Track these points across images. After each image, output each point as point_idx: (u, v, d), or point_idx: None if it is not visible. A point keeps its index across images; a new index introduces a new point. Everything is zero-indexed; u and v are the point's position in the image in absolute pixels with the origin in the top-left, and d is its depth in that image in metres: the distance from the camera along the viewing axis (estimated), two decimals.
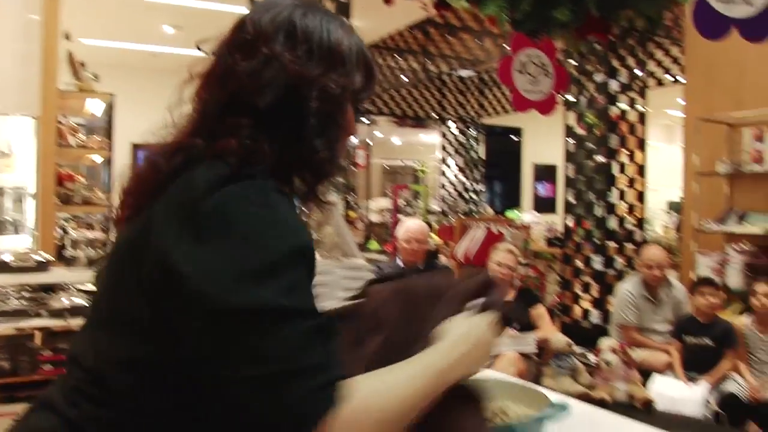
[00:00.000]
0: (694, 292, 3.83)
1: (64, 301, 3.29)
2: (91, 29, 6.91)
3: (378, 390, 0.80)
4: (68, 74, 4.97)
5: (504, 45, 5.25)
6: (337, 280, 2.63)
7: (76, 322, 2.94)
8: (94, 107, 5.32)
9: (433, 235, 8.00)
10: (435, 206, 9.89)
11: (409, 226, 4.26)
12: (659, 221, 9.88)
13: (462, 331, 0.94)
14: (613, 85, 5.66)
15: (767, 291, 3.60)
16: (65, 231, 4.54)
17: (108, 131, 7.05)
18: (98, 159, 5.56)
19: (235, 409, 0.75)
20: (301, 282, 0.79)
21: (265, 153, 0.86)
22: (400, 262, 4.24)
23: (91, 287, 3.32)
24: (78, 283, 3.43)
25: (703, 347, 3.73)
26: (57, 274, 3.66)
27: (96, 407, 0.83)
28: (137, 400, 0.82)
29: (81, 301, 3.22)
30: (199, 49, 0.98)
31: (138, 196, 0.90)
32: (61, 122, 4.85)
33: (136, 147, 8.32)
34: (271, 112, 0.88)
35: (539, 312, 3.97)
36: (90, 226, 5.07)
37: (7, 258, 3.50)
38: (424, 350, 0.90)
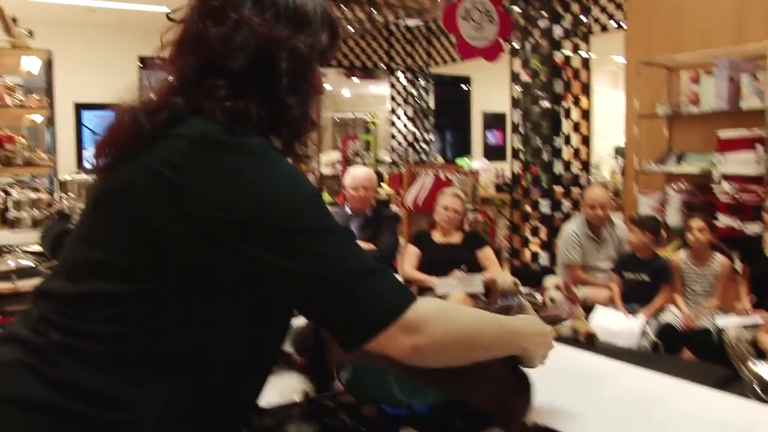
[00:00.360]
0: (630, 230, 4.00)
1: (10, 263, 3.25)
2: None
3: (449, 311, 0.98)
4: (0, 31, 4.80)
5: None
6: None
7: (24, 284, 2.91)
8: (31, 65, 5.16)
9: (384, 184, 8.06)
10: (386, 156, 9.92)
11: (355, 173, 4.30)
12: (607, 166, 10.14)
13: (533, 321, 1.15)
14: (558, 31, 5.71)
15: (700, 226, 3.77)
16: (7, 193, 4.44)
17: (48, 90, 6.84)
18: (39, 119, 5.41)
19: (316, 314, 0.91)
20: (329, 214, 0.92)
21: (251, 113, 0.92)
22: (348, 210, 4.29)
23: (38, 248, 3.28)
24: (23, 244, 3.39)
25: (640, 282, 3.91)
26: (1, 237, 3.61)
27: (65, 335, 0.86)
28: (131, 331, 0.86)
29: (28, 262, 3.17)
30: (169, 19, 1.00)
31: (118, 149, 0.95)
32: None
33: (79, 106, 8.09)
34: (244, 74, 0.93)
35: (486, 254, 4.08)
36: (35, 189, 4.98)
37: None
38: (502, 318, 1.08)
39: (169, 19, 1.02)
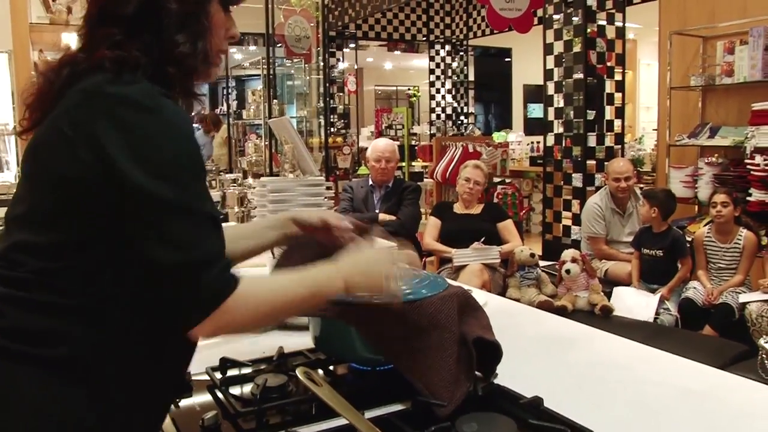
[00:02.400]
0: (650, 205, 3.95)
1: None
2: None
3: (261, 285, 1.02)
4: (39, 8, 4.94)
5: None
6: (296, 197, 2.74)
7: None
8: (71, 41, 5.30)
9: (419, 159, 8.08)
10: (425, 129, 9.90)
11: (377, 145, 4.33)
12: (650, 138, 9.91)
13: (352, 258, 1.15)
14: (592, 1, 5.58)
15: (724, 200, 3.70)
16: None
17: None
18: None
19: (150, 290, 0.92)
20: (196, 180, 0.95)
21: (136, 57, 0.96)
22: (370, 182, 4.33)
23: None
24: None
25: (655, 258, 3.86)
26: None
27: (5, 287, 0.93)
28: (49, 282, 0.93)
29: None
30: None
31: (37, 108, 1.01)
32: (37, 57, 4.86)
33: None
34: (136, 19, 0.98)
35: (506, 226, 4.08)
36: None
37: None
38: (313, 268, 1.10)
39: None
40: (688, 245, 3.92)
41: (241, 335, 1.08)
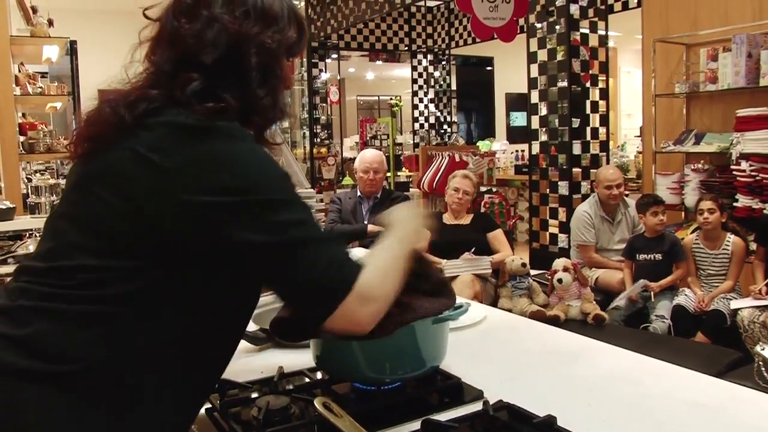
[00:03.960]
0: (645, 213, 3.93)
1: (30, 248, 3.34)
2: None
3: (377, 266, 1.03)
4: (20, 20, 4.88)
5: None
6: None
7: None
8: (52, 53, 5.25)
9: (405, 169, 8.07)
10: (408, 138, 9.90)
11: (365, 155, 4.31)
12: (633, 146, 9.99)
13: (405, 223, 1.19)
14: (575, 10, 5.62)
15: (710, 207, 3.71)
16: (29, 180, 4.55)
17: (72, 78, 6.96)
18: (60, 106, 5.52)
19: (282, 282, 0.97)
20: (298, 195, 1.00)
21: (228, 104, 0.99)
22: (358, 193, 4.31)
23: None
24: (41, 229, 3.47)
25: (653, 262, 3.87)
26: (22, 222, 3.71)
27: (40, 300, 0.93)
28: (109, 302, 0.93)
29: None
30: (145, 16, 1.06)
31: (97, 137, 1.01)
32: (18, 70, 4.80)
33: (102, 93, 8.19)
34: (217, 68, 1.01)
35: (496, 236, 4.07)
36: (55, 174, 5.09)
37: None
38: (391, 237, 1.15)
39: (145, 16, 1.07)
40: None
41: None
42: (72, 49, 5.63)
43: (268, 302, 1.49)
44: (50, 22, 5.02)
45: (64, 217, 1.02)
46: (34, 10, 4.95)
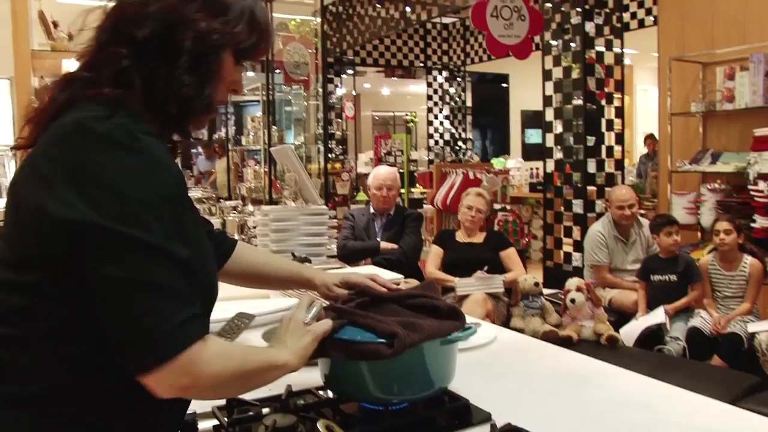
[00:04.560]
0: (659, 233, 3.90)
1: None
2: None
3: (225, 351, 0.96)
4: (41, 35, 4.95)
5: None
6: (298, 226, 2.71)
7: None
8: (71, 67, 5.31)
9: (419, 186, 8.07)
10: (423, 155, 9.92)
11: (378, 172, 4.31)
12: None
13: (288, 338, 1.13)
14: (590, 28, 5.62)
15: (727, 228, 3.67)
16: None
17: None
18: None
19: (105, 324, 0.87)
20: (169, 219, 0.89)
21: (135, 96, 0.94)
22: (371, 210, 4.30)
23: None
24: None
25: (668, 283, 3.82)
26: None
27: None
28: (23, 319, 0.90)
29: None
30: None
31: (36, 126, 0.99)
32: (38, 83, 4.86)
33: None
34: (146, 46, 0.96)
35: (509, 254, 4.05)
36: None
37: None
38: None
39: None
40: None
41: (203, 398, 1.07)
42: None
43: (277, 320, 1.48)
44: (70, 36, 5.09)
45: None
46: (56, 24, 5.02)
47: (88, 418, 0.91)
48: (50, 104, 0.97)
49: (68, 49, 5.05)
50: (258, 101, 7.62)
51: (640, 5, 6.91)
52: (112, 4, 1.00)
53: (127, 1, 0.98)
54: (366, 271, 1.41)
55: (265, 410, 1.29)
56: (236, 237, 3.54)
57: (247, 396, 1.34)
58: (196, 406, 1.21)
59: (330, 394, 1.37)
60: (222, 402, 1.30)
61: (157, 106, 0.97)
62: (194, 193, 4.04)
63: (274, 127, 7.24)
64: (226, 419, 1.25)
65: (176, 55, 0.96)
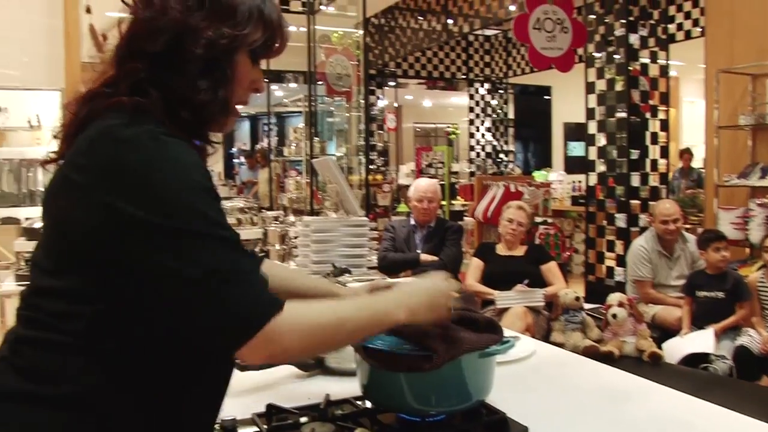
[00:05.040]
0: (707, 249, 3.81)
1: None
2: (113, 1, 7.03)
3: (313, 308, 0.99)
4: (92, 47, 5.10)
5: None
6: (339, 237, 2.73)
7: None
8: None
9: (460, 198, 8.05)
10: (464, 167, 9.89)
11: (419, 184, 4.31)
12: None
13: (412, 289, 1.16)
14: (635, 39, 5.56)
15: None
16: None
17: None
18: None
19: (180, 317, 0.89)
20: (207, 207, 0.91)
21: (151, 103, 0.96)
22: (412, 222, 4.31)
23: None
24: None
25: (715, 300, 3.73)
26: None
27: (25, 329, 0.95)
28: (65, 323, 0.92)
29: None
30: (123, 2, 1.07)
31: (62, 141, 1.02)
32: None
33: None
34: (160, 59, 0.97)
35: (550, 268, 4.01)
36: None
37: (38, 225, 3.71)
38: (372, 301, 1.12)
39: (123, 2, 1.05)
40: None
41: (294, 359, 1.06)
42: None
43: None
44: None
45: (38, 245, 1.02)
46: (105, 37, 5.17)
47: (123, 418, 0.93)
48: (73, 119, 0.99)
49: None
50: (300, 112, 7.73)
51: (687, 16, 6.81)
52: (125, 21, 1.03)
53: (138, 18, 1.00)
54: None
55: (303, 419, 1.31)
56: (277, 247, 3.60)
57: (287, 404, 1.36)
58: (237, 412, 1.24)
59: (368, 404, 1.38)
60: (261, 409, 1.32)
61: (175, 114, 0.99)
62: (236, 203, 4.08)
63: (316, 138, 7.32)
64: (265, 426, 1.27)
65: (188, 63, 0.98)
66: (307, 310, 0.98)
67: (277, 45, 1.09)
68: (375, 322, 1.07)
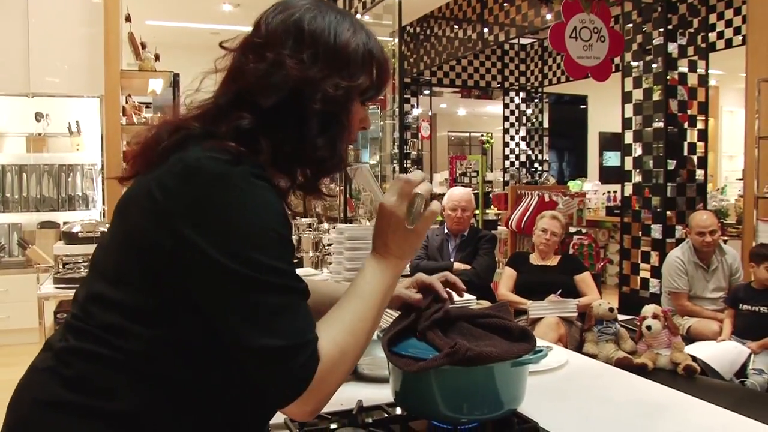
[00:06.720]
0: (759, 265, 3.74)
1: None
2: (152, 10, 7.18)
3: (337, 335, 0.95)
4: (130, 55, 5.21)
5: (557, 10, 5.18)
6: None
7: None
8: (156, 86, 5.57)
9: (494, 207, 8.01)
10: (498, 176, 9.84)
11: (453, 194, 4.31)
12: (734, 189, 9.54)
13: (377, 234, 1.06)
14: (673, 48, 5.49)
15: None
16: None
17: (174, 109, 7.30)
18: None
19: (239, 371, 0.90)
20: (279, 256, 0.90)
21: (260, 151, 0.94)
22: (446, 230, 4.31)
23: None
24: None
25: (758, 315, 3.67)
26: None
27: (77, 340, 0.95)
28: (129, 343, 0.93)
29: None
30: (222, 47, 1.06)
31: (140, 161, 1.01)
32: (125, 101, 5.12)
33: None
34: (273, 112, 0.96)
35: (584, 278, 3.97)
36: None
37: (76, 229, 3.78)
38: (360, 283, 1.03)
39: (222, 47, 1.05)
40: None
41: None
42: (175, 82, 5.93)
43: None
44: (156, 57, 5.34)
45: (101, 246, 1.03)
46: (143, 45, 5.28)
47: None
48: (157, 143, 0.97)
49: (154, 69, 5.31)
50: None
51: (728, 24, 6.70)
52: (234, 70, 1.01)
53: (247, 71, 0.97)
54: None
55: (333, 425, 1.32)
56: (310, 254, 3.62)
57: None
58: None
59: (399, 410, 1.38)
60: None
61: (287, 167, 0.98)
62: None
63: (350, 146, 7.34)
64: (297, 431, 1.28)
65: (305, 119, 0.96)
66: (339, 338, 0.94)
67: (385, 83, 1.07)
68: (385, 299, 1.03)
